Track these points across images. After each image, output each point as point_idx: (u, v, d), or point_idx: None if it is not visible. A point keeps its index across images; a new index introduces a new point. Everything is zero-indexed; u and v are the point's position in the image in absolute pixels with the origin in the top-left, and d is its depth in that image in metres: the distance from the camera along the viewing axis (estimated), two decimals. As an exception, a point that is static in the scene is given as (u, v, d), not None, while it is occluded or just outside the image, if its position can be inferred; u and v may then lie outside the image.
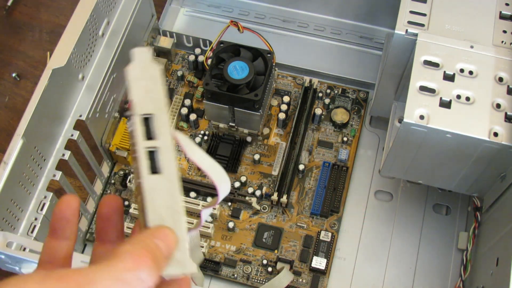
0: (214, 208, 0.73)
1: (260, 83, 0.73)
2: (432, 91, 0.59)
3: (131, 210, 0.74)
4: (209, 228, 0.72)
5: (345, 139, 0.80)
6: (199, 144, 0.80)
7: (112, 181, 0.78)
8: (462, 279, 0.68)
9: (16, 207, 0.60)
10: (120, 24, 0.74)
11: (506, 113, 0.58)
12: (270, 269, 0.71)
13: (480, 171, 0.62)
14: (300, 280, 0.71)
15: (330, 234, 0.73)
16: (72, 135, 0.67)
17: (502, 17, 0.64)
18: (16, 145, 0.58)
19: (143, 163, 0.31)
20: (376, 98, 0.76)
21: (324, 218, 0.75)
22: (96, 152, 0.74)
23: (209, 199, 0.75)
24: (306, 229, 0.74)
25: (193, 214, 0.75)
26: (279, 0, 0.90)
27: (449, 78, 0.60)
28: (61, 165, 0.66)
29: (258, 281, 0.71)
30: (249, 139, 0.79)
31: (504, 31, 0.63)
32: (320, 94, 0.83)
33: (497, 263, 0.59)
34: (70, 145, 0.67)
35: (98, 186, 0.77)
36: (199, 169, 0.78)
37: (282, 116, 0.80)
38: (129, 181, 0.76)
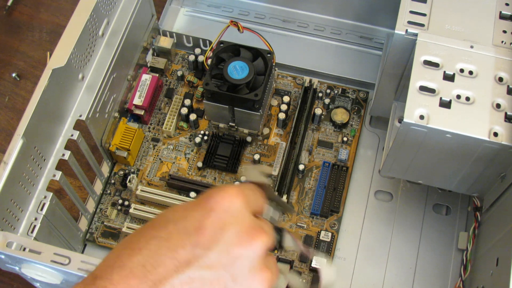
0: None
1: (260, 83, 0.73)
2: (432, 91, 0.59)
3: (131, 210, 0.74)
4: (209, 228, 0.72)
5: (345, 139, 0.80)
6: (199, 144, 0.80)
7: (112, 181, 0.78)
8: (462, 279, 0.68)
9: (16, 207, 0.60)
10: (120, 24, 0.74)
11: (506, 113, 0.58)
12: (270, 269, 0.71)
13: (480, 171, 0.62)
14: (300, 280, 0.71)
15: (330, 234, 0.73)
16: (72, 135, 0.67)
17: (502, 17, 0.64)
18: (16, 145, 0.58)
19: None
20: (376, 98, 0.76)
21: (324, 218, 0.75)
22: (96, 152, 0.74)
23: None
24: (306, 229, 0.74)
25: (193, 214, 0.75)
26: (279, 0, 0.90)
27: (449, 78, 0.60)
28: (61, 165, 0.66)
29: (258, 281, 0.71)
30: (249, 139, 0.79)
31: (504, 31, 0.63)
32: (320, 94, 0.83)
33: (497, 263, 0.59)
34: (70, 145, 0.67)
35: (98, 186, 0.77)
36: (199, 169, 0.78)
37: (282, 116, 0.80)
38: (129, 181, 0.76)
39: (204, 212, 0.36)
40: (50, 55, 0.64)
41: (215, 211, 0.36)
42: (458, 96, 0.59)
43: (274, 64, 0.77)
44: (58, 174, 0.65)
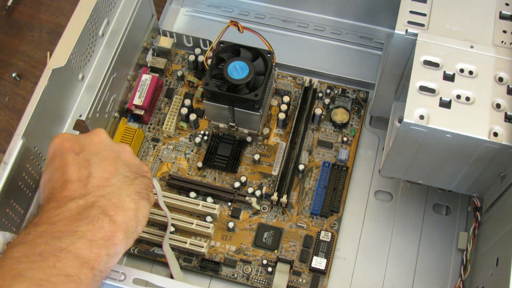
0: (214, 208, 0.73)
1: (260, 83, 0.73)
2: (432, 91, 0.59)
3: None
4: (209, 228, 0.72)
5: (345, 139, 0.80)
6: (199, 144, 0.80)
7: (112, 181, 0.78)
8: (462, 279, 0.68)
9: (16, 207, 0.60)
10: (120, 24, 0.74)
11: (506, 113, 0.58)
12: (270, 269, 0.71)
13: (480, 171, 0.62)
14: (300, 280, 0.71)
15: (330, 234, 0.73)
16: (72, 135, 0.67)
17: (502, 17, 0.64)
18: (16, 145, 0.58)
19: None
20: (376, 98, 0.76)
21: (324, 218, 0.75)
22: (96, 152, 0.74)
23: (209, 199, 0.75)
24: (306, 229, 0.74)
25: (193, 214, 0.75)
26: (279, 0, 0.90)
27: (449, 78, 0.60)
28: (61, 165, 0.66)
29: (258, 281, 0.71)
30: (249, 139, 0.79)
31: (504, 31, 0.63)
32: (320, 94, 0.83)
33: (497, 263, 0.59)
34: (70, 145, 0.67)
35: (98, 186, 0.77)
36: (199, 169, 0.78)
37: (282, 116, 0.80)
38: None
39: (54, 160, 0.53)
40: (50, 55, 0.64)
41: (55, 153, 0.53)
42: (458, 96, 0.59)
43: (274, 64, 0.77)
44: (58, 174, 0.65)
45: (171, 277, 0.69)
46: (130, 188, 0.51)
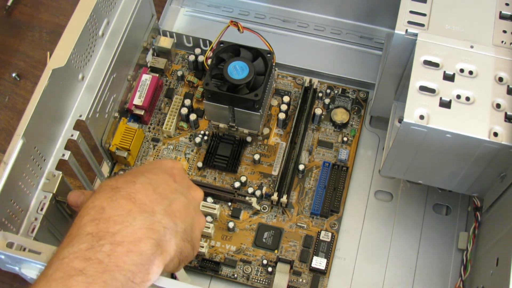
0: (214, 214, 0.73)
1: (260, 83, 0.73)
2: (432, 91, 0.59)
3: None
4: (209, 228, 0.72)
5: (345, 139, 0.80)
6: (199, 144, 0.80)
7: (112, 181, 0.78)
8: (462, 279, 0.68)
9: (16, 207, 0.60)
10: (120, 24, 0.74)
11: (506, 113, 0.58)
12: (270, 269, 0.71)
13: (480, 171, 0.62)
14: (300, 280, 0.71)
15: (330, 234, 0.73)
16: (72, 135, 0.67)
17: (502, 17, 0.64)
18: (16, 145, 0.58)
19: None
20: (376, 98, 0.76)
21: (324, 218, 0.75)
22: (96, 152, 0.74)
23: (209, 199, 0.75)
24: (306, 229, 0.74)
25: (193, 214, 0.75)
26: (279, 0, 0.90)
27: (449, 78, 0.60)
28: (61, 165, 0.66)
29: (258, 281, 0.71)
30: (249, 139, 0.79)
31: (504, 31, 0.63)
32: (320, 94, 0.83)
33: (497, 263, 0.59)
34: (70, 145, 0.67)
35: (98, 186, 0.77)
36: (199, 169, 0.78)
37: (282, 116, 0.80)
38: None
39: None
40: (50, 55, 0.64)
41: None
42: (458, 96, 0.59)
43: (274, 64, 0.77)
44: (58, 174, 0.65)
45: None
46: (178, 237, 0.53)
